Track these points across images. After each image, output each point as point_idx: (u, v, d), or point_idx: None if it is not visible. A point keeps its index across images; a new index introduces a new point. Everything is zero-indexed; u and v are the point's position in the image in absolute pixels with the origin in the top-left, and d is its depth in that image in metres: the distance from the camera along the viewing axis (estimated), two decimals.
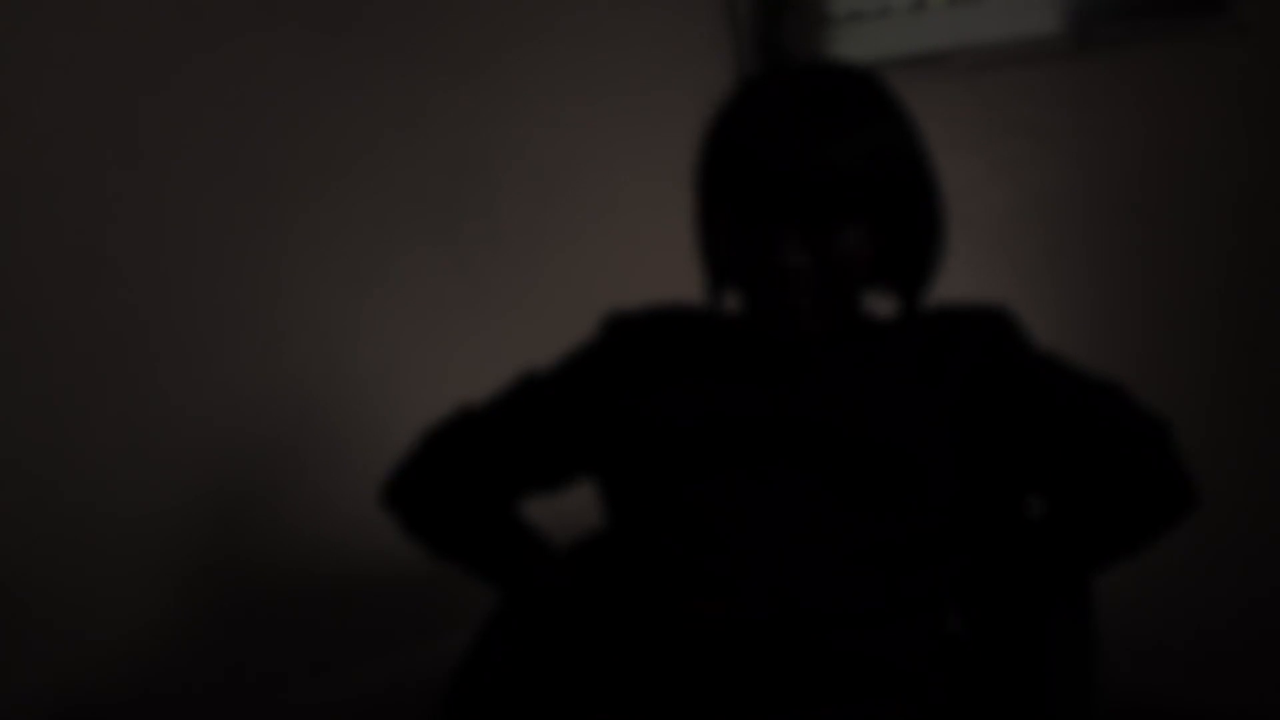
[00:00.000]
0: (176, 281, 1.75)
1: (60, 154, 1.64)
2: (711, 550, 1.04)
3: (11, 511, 1.63)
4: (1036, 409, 1.07)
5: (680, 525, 1.06)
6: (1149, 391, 1.08)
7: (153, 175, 1.72)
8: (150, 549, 1.76)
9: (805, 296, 1.04)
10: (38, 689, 1.66)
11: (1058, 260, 1.85)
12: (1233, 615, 1.72)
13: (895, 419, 1.06)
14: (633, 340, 1.18)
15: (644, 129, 2.11)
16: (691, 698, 1.01)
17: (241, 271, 1.81)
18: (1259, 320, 1.68)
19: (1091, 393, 1.07)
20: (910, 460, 1.04)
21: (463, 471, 1.20)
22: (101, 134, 1.67)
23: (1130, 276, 1.78)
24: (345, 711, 1.85)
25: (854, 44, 2.15)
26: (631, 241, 2.09)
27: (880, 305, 1.15)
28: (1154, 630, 1.73)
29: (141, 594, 1.75)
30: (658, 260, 1.78)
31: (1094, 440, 1.04)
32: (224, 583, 1.83)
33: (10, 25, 1.59)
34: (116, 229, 1.70)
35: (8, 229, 1.61)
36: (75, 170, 1.65)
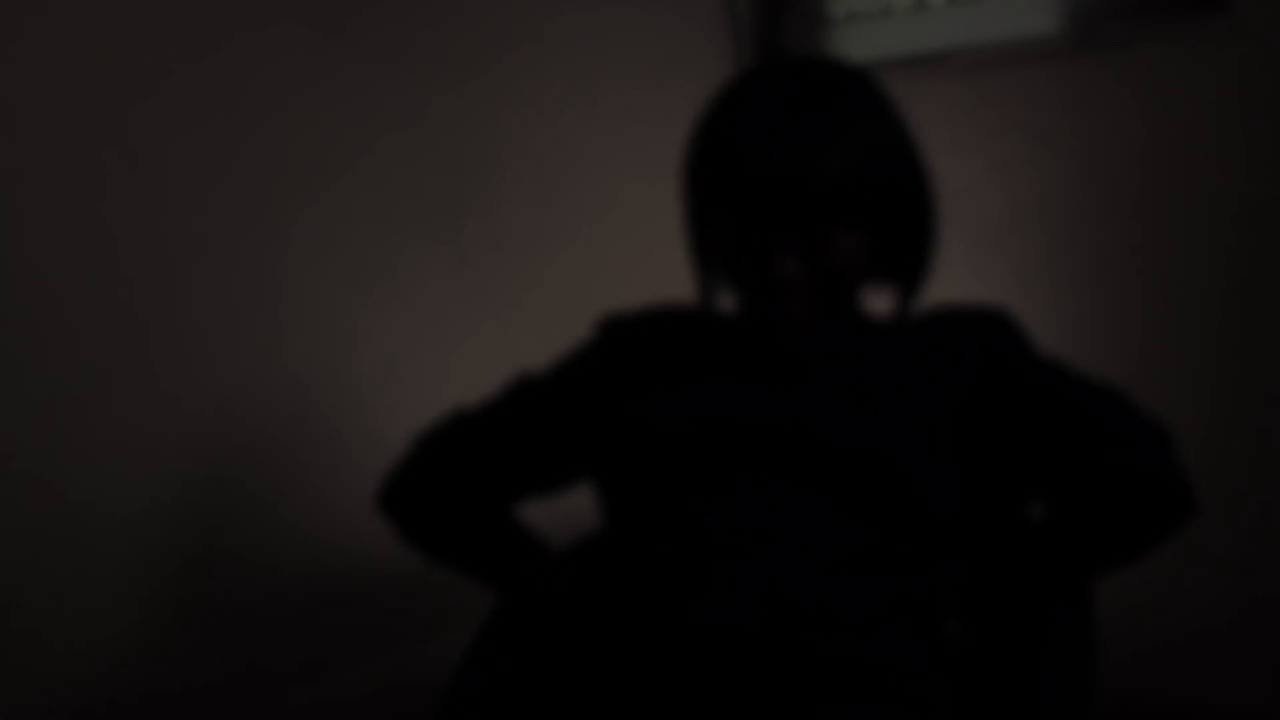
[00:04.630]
0: (176, 281, 1.75)
1: (60, 154, 1.64)
2: (709, 554, 1.04)
3: (11, 511, 1.63)
4: (1036, 413, 1.07)
5: (678, 529, 1.06)
6: (1149, 392, 1.08)
7: (152, 175, 1.72)
8: (150, 549, 1.76)
9: (800, 305, 1.03)
10: (36, 689, 1.66)
11: (1057, 261, 1.85)
12: (1233, 615, 1.72)
13: (893, 424, 1.06)
14: (629, 342, 1.18)
15: (644, 129, 2.11)
16: (690, 701, 1.01)
17: (241, 271, 1.81)
18: (1259, 320, 1.67)
19: (1092, 397, 1.07)
20: (907, 465, 1.04)
21: (458, 475, 1.20)
22: (101, 134, 1.67)
23: (1130, 276, 1.78)
24: (345, 711, 1.85)
25: (854, 44, 2.15)
26: (631, 241, 2.09)
27: (877, 304, 1.15)
28: (1154, 630, 1.73)
29: (141, 594, 1.75)
30: (658, 260, 1.77)
31: (1094, 446, 1.04)
32: (224, 583, 1.83)
33: (10, 25, 1.59)
34: (116, 229, 1.70)
35: (8, 229, 1.61)
36: (75, 170, 1.65)
